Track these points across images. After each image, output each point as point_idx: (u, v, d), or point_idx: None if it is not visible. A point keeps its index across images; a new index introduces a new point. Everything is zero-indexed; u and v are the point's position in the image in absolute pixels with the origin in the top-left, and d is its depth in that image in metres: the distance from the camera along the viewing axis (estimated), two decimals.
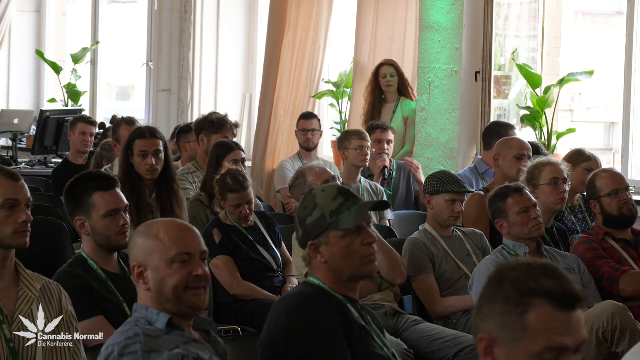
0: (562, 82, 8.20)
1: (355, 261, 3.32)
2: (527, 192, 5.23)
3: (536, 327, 2.19)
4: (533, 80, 8.26)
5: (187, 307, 3.04)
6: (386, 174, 7.52)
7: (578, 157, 6.57)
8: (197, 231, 3.14)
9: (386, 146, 7.55)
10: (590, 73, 8.19)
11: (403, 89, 8.50)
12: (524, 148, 6.47)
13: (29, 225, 3.53)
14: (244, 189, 5.66)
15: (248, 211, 5.68)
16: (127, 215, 4.16)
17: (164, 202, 5.70)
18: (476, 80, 8.21)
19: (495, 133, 7.36)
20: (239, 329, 5.12)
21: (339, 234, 3.32)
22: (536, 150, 7.17)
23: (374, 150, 7.36)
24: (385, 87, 8.48)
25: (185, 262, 3.03)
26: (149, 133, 5.79)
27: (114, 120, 7.66)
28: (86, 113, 10.62)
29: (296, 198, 5.80)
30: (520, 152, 6.42)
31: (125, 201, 4.18)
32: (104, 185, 4.12)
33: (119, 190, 4.17)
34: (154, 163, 5.69)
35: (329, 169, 5.82)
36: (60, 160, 9.82)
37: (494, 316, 2.22)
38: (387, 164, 7.56)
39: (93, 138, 8.71)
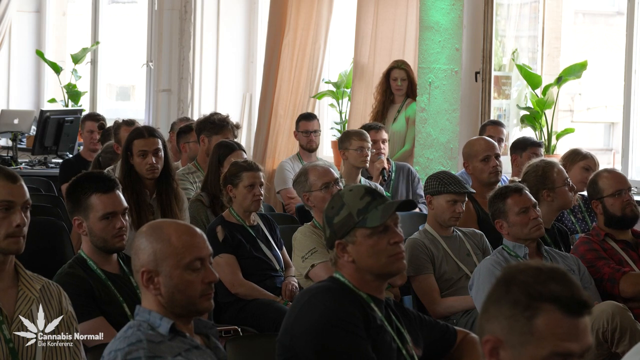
0: (559, 80, 8.21)
1: (382, 260, 3.33)
2: (527, 192, 5.22)
3: (543, 332, 2.19)
4: (533, 81, 8.26)
5: (200, 311, 3.04)
6: (385, 175, 7.52)
7: (575, 156, 6.60)
8: (203, 233, 3.13)
9: (381, 145, 7.56)
10: (584, 65, 8.16)
11: (411, 92, 8.52)
12: (488, 149, 6.28)
13: (24, 229, 3.41)
14: (258, 169, 5.74)
15: (261, 192, 5.71)
16: (127, 218, 4.15)
17: (164, 202, 5.69)
18: (476, 80, 8.21)
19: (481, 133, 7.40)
20: (239, 329, 5.12)
21: (365, 233, 3.34)
22: (535, 143, 7.19)
23: (374, 151, 7.36)
24: (396, 91, 8.53)
25: (199, 269, 3.01)
26: (147, 132, 5.78)
27: (115, 124, 7.67)
28: (86, 113, 10.59)
29: (298, 194, 5.88)
30: (486, 154, 6.24)
31: (124, 204, 4.16)
32: (102, 187, 4.11)
33: (118, 193, 4.15)
34: (154, 162, 5.68)
35: (333, 171, 5.83)
36: (60, 160, 9.83)
37: (501, 318, 2.22)
38: (386, 165, 7.56)
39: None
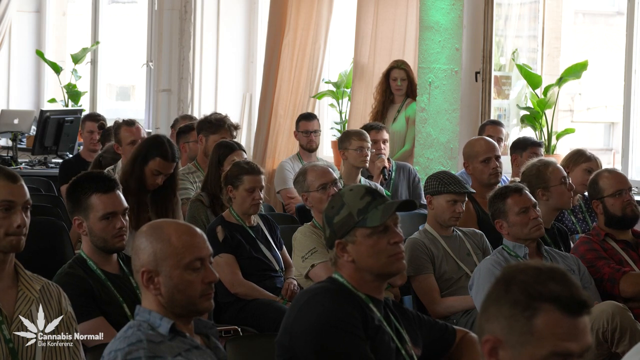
0: (560, 80, 8.21)
1: (382, 259, 3.33)
2: (527, 192, 5.22)
3: (543, 331, 2.18)
4: (533, 81, 8.27)
5: (200, 311, 3.04)
6: (386, 174, 7.52)
7: (578, 158, 6.57)
8: (203, 233, 3.13)
9: (382, 146, 7.56)
10: (584, 65, 8.16)
11: (411, 92, 8.53)
12: (489, 150, 6.27)
13: (25, 229, 3.42)
14: (259, 173, 5.72)
15: (261, 196, 5.70)
16: (127, 218, 4.15)
17: (159, 201, 5.68)
18: (476, 80, 8.21)
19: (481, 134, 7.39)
20: (239, 329, 5.12)
21: (365, 232, 3.34)
22: (536, 143, 7.18)
23: (374, 151, 7.36)
24: (395, 91, 8.54)
25: (199, 269, 3.02)
26: (172, 157, 5.69)
27: (115, 124, 7.67)
28: (87, 113, 10.60)
29: (298, 193, 5.92)
30: (486, 155, 6.24)
31: (125, 204, 4.16)
32: (102, 187, 4.11)
33: (118, 193, 4.15)
34: (160, 182, 5.68)
35: (332, 171, 5.83)
36: (60, 161, 9.83)
37: (500, 318, 2.22)
38: (387, 164, 7.57)
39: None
